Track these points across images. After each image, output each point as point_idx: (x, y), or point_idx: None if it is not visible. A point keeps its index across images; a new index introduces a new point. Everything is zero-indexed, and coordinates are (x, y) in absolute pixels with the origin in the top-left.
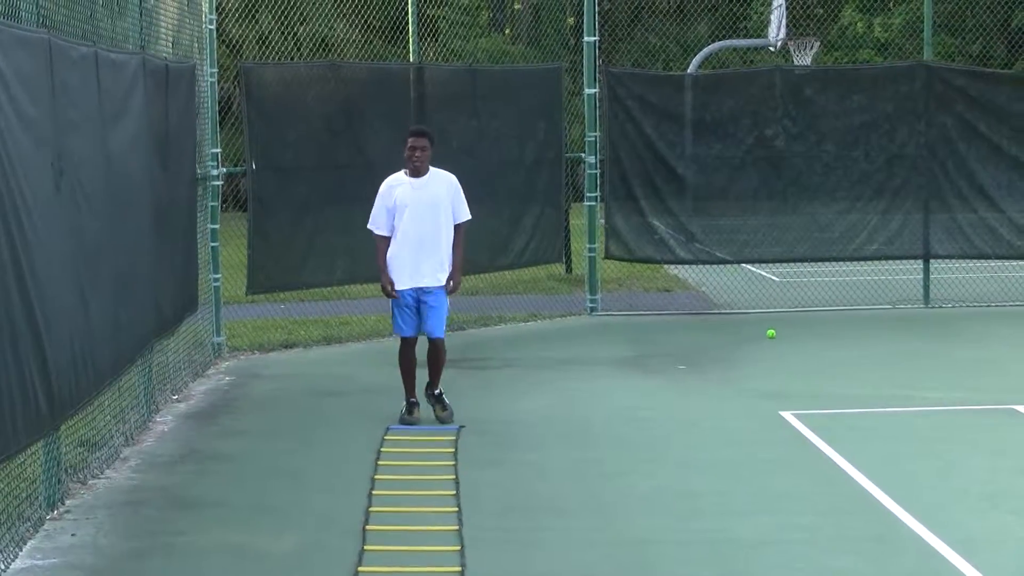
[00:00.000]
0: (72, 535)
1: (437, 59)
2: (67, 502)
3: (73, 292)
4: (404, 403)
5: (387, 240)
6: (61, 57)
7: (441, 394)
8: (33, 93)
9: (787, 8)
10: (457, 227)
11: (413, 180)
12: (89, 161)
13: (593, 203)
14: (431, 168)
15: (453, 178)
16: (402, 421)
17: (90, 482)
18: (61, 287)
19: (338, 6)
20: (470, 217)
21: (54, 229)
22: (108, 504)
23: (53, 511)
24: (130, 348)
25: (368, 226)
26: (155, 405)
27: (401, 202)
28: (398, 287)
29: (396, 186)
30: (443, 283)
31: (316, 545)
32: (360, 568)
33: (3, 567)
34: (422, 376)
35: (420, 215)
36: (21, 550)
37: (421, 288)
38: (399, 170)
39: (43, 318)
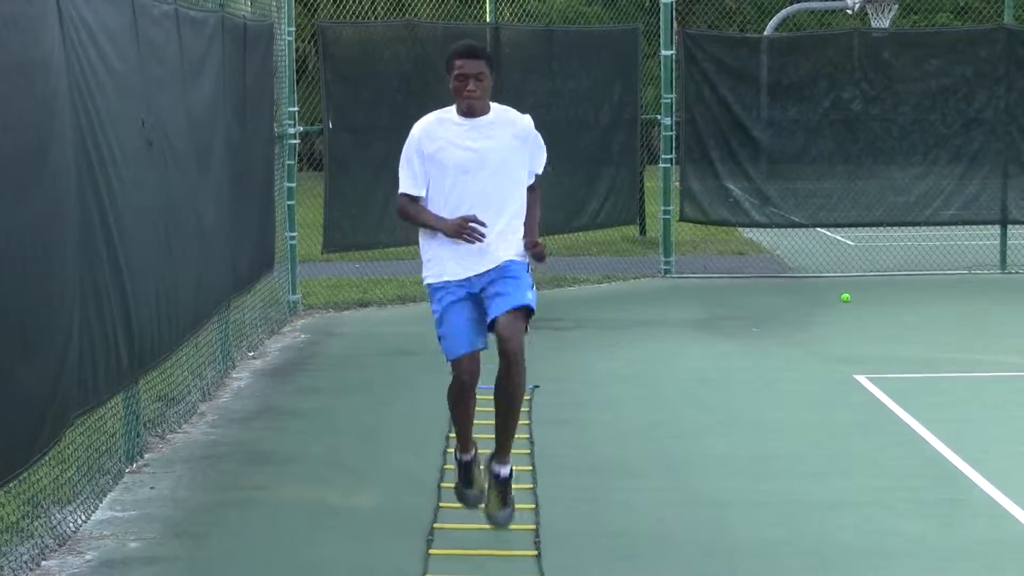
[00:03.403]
0: (151, 488)
1: (513, 20)
2: (146, 456)
3: (158, 248)
4: (456, 466)
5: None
6: (143, 13)
7: (509, 478)
8: (120, 49)
9: None
10: (531, 188)
11: (467, 121)
12: (173, 118)
13: (668, 165)
14: (493, 104)
15: (528, 119)
16: (457, 496)
17: (168, 436)
18: (146, 243)
19: None
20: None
21: (142, 185)
22: (186, 458)
23: (132, 464)
24: (209, 305)
25: (401, 191)
26: (232, 362)
27: (447, 152)
28: (444, 277)
29: (439, 128)
30: (520, 254)
31: (392, 502)
32: (435, 525)
33: (84, 518)
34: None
35: (480, 173)
36: (101, 502)
37: (484, 273)
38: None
39: (128, 273)
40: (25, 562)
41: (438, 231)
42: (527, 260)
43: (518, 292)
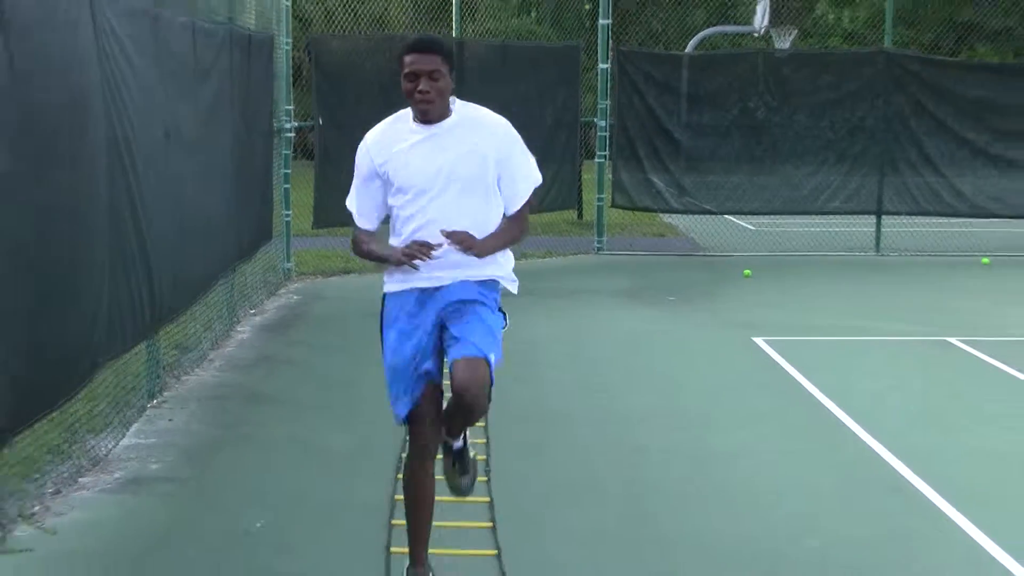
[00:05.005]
0: (169, 420)
1: (475, 36)
2: (164, 394)
3: (174, 224)
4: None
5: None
6: (166, 25)
7: (465, 449)
8: (144, 54)
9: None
10: (517, 214)
11: (425, 128)
12: (187, 115)
13: (602, 160)
14: (457, 103)
15: (505, 124)
16: None
17: (183, 378)
18: (165, 220)
19: None
20: (528, 197)
21: (161, 169)
22: (198, 397)
23: (153, 401)
24: (217, 270)
25: (357, 223)
26: (236, 317)
27: (403, 168)
28: (397, 288)
29: (392, 138)
30: (486, 275)
31: (366, 441)
32: (404, 454)
33: (113, 444)
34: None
35: (446, 191)
36: (128, 431)
37: (443, 288)
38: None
39: (151, 245)
40: (65, 479)
41: (387, 262)
42: (498, 291)
43: (478, 337)
